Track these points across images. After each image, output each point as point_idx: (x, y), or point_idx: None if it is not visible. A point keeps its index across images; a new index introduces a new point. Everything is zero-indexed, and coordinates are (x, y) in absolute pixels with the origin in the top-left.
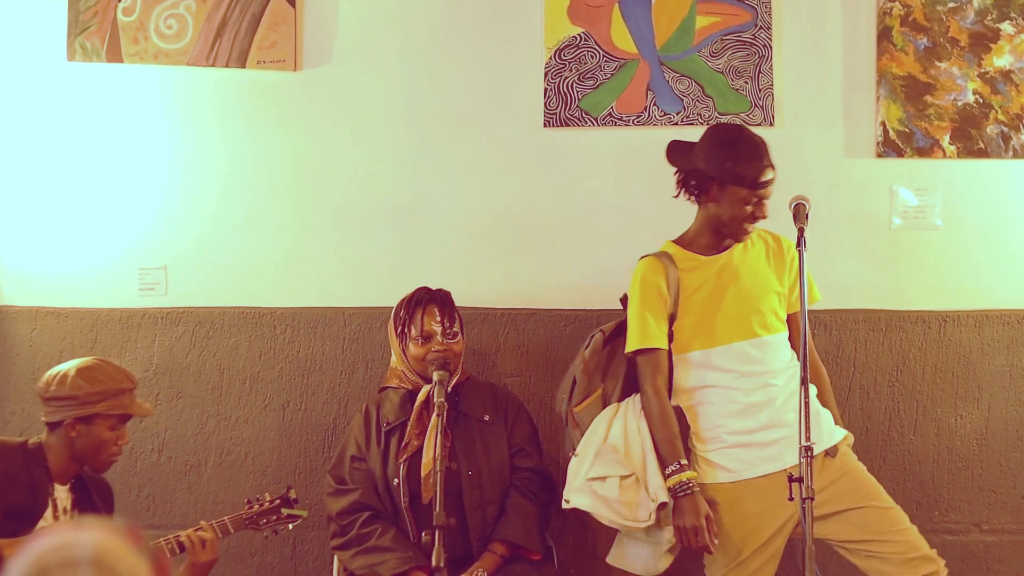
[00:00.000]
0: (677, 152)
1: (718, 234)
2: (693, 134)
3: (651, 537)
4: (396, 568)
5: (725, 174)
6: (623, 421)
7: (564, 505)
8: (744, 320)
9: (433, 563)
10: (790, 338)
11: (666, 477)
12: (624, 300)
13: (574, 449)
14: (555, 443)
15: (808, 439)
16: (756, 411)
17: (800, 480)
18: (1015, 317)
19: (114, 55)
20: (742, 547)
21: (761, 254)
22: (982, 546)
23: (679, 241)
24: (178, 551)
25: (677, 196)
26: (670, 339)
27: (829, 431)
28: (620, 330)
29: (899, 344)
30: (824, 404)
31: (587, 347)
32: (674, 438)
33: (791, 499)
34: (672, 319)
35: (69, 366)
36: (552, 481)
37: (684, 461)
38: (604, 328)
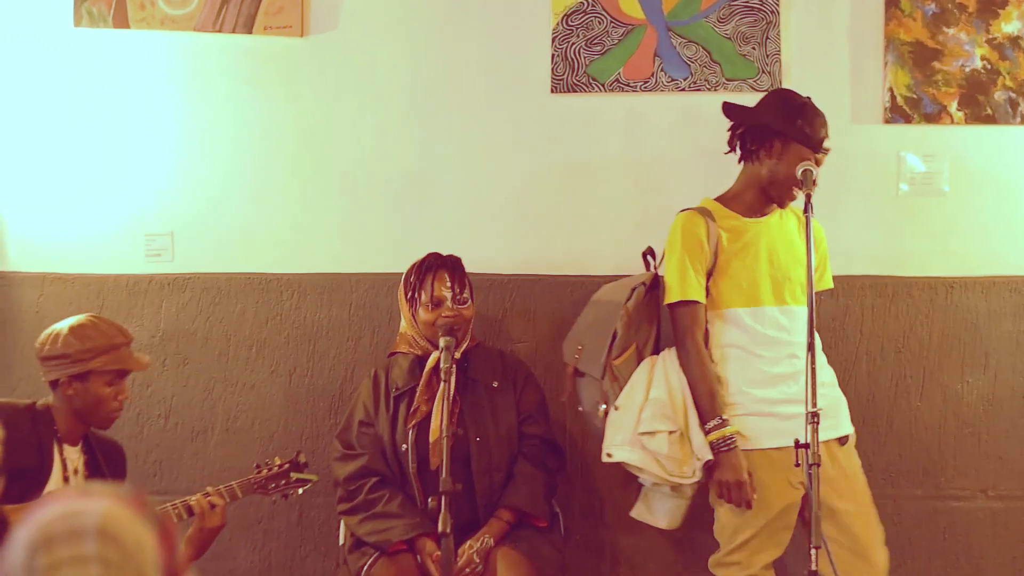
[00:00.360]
0: (734, 108)
1: (763, 196)
2: (700, 100)
3: (677, 491)
4: (403, 534)
5: (793, 131)
6: (664, 375)
7: (605, 459)
8: (777, 286)
9: (439, 529)
10: None
11: (707, 432)
12: (646, 255)
13: (607, 402)
14: (561, 410)
15: (814, 405)
16: (779, 382)
17: (807, 446)
18: (1022, 283)
19: (120, 21)
20: (754, 519)
21: (794, 227)
22: (988, 512)
23: (720, 199)
24: (186, 516)
25: (730, 152)
26: (707, 294)
27: (845, 418)
28: (655, 283)
29: (906, 310)
30: None
31: (630, 299)
32: (715, 393)
33: (797, 464)
34: (708, 275)
35: (62, 325)
36: (560, 448)
37: (725, 416)
38: (646, 280)
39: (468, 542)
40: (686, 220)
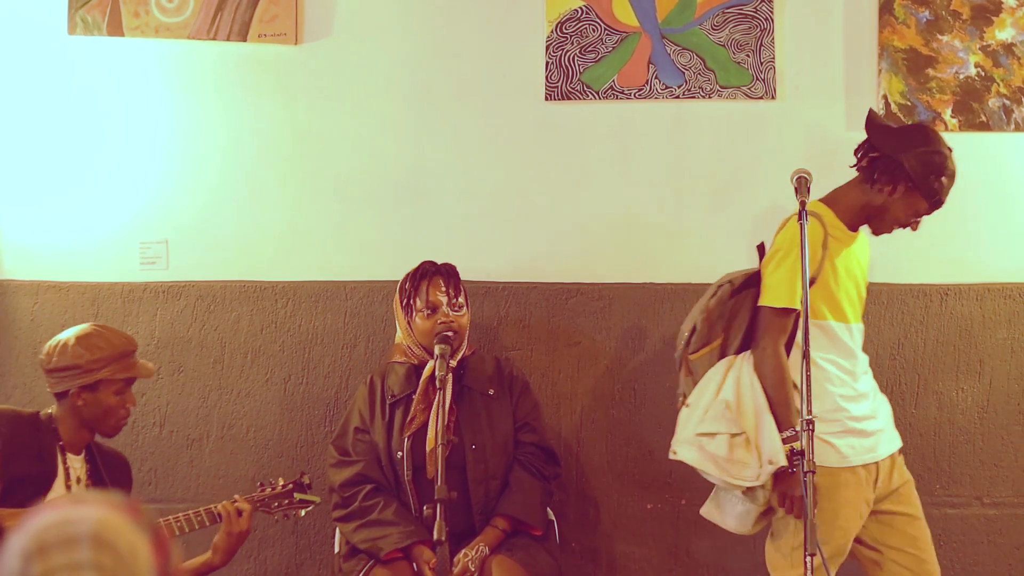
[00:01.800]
0: (879, 129)
1: (865, 217)
2: (695, 108)
3: (749, 496)
4: (398, 543)
5: (923, 183)
6: (737, 376)
7: (671, 455)
8: (860, 303)
9: (435, 536)
10: None
11: (783, 442)
12: (761, 248)
13: (684, 396)
14: (556, 416)
15: (809, 412)
16: (863, 399)
17: (802, 454)
18: (1016, 290)
19: (115, 29)
20: (832, 537)
21: (862, 244)
22: (983, 519)
23: (829, 204)
24: (208, 523)
25: (856, 167)
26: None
27: (895, 430)
28: (748, 283)
29: (900, 317)
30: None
31: (713, 296)
32: (791, 403)
33: (792, 471)
34: (812, 282)
35: (68, 335)
36: (555, 456)
37: (798, 428)
38: (733, 279)
39: (464, 550)
40: (808, 227)
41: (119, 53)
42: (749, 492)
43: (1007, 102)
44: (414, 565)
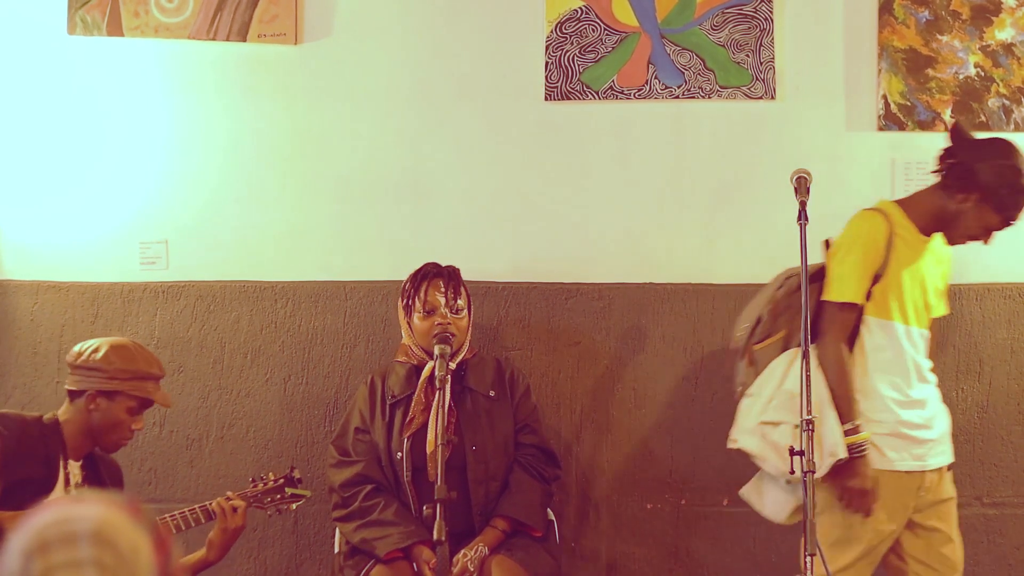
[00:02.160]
0: (961, 137)
1: (938, 224)
2: (694, 108)
3: (791, 486)
4: (398, 543)
5: (995, 199)
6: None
7: (730, 444)
8: (926, 308)
9: (434, 537)
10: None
11: (844, 435)
12: (826, 244)
13: (744, 387)
14: (556, 417)
15: (809, 412)
16: (917, 406)
17: (801, 453)
18: (1016, 290)
19: (115, 29)
20: (864, 534)
21: (939, 253)
22: (983, 519)
23: (902, 205)
24: (204, 520)
25: (935, 172)
26: (868, 298)
27: (950, 444)
28: (814, 277)
29: None
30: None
31: (780, 287)
32: (853, 396)
33: (792, 472)
34: (876, 279)
35: (104, 341)
36: (555, 458)
37: (860, 421)
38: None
39: (463, 550)
40: (870, 223)
41: (119, 53)
42: (793, 483)
43: (1007, 102)
44: (414, 565)
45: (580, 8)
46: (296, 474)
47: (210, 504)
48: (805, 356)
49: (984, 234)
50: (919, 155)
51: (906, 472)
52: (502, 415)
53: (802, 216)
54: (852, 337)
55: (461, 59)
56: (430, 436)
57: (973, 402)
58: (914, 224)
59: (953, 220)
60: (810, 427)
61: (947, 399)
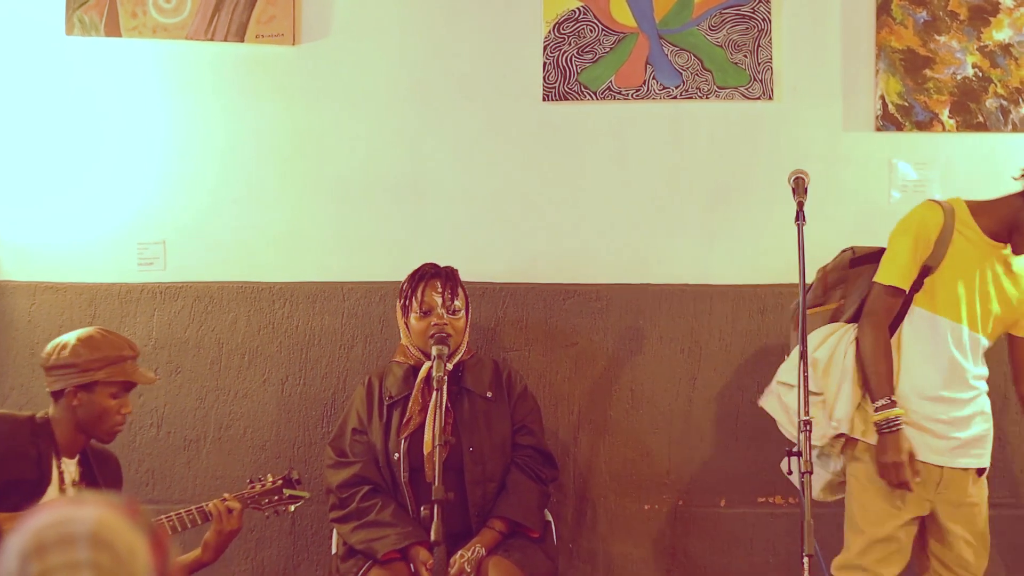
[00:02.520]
0: None
1: (1008, 231)
2: (692, 108)
3: (820, 461)
4: (396, 544)
5: None
6: (838, 340)
7: (759, 402)
8: (986, 315)
9: (432, 538)
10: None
11: (875, 411)
12: (854, 251)
13: (789, 350)
14: (554, 417)
15: (806, 413)
16: (946, 403)
17: (799, 454)
18: None
19: (112, 29)
20: (882, 517)
21: (1020, 271)
22: None
23: (971, 205)
24: (200, 521)
25: (1018, 179)
26: (918, 288)
27: (988, 451)
28: (871, 257)
29: None
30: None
31: (832, 261)
32: (888, 373)
33: (790, 472)
34: (927, 271)
35: (70, 336)
36: (553, 459)
37: (895, 397)
38: (857, 248)
39: (460, 551)
40: (927, 211)
41: (117, 53)
42: (823, 457)
43: (1004, 102)
44: (411, 566)
45: (578, 8)
46: (294, 475)
47: (207, 505)
48: (803, 357)
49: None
50: (917, 156)
51: (922, 463)
52: (499, 416)
53: (800, 216)
54: (898, 322)
55: (459, 59)
56: (427, 437)
57: None
58: (982, 226)
59: (1021, 227)
60: (807, 428)
61: None
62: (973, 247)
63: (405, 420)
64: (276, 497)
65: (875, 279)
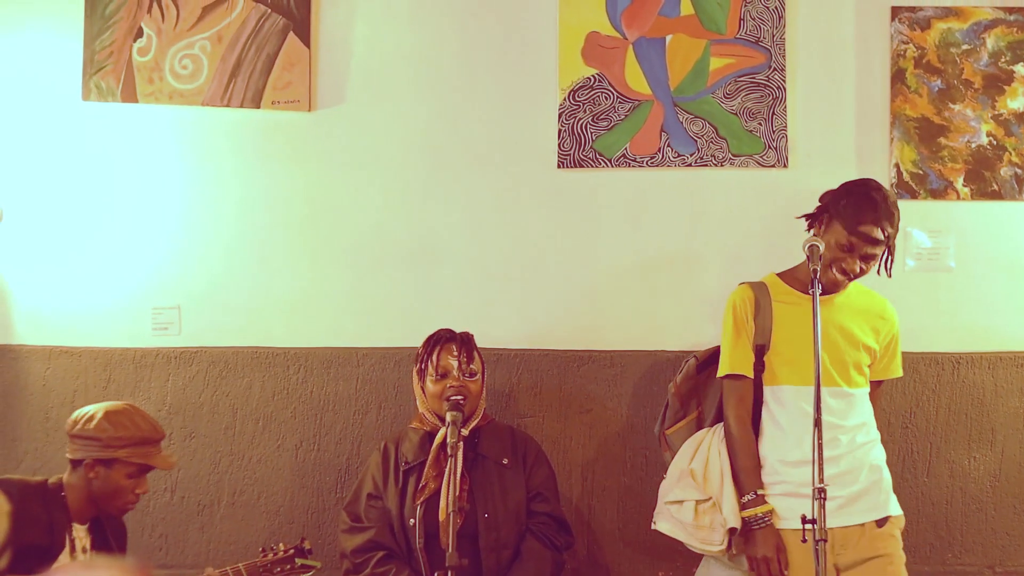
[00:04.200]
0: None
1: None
2: (707, 176)
3: (734, 562)
4: None
5: (834, 207)
6: (708, 445)
7: (652, 527)
8: (837, 364)
9: None
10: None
11: (742, 507)
12: None
13: (666, 470)
14: (568, 483)
15: (821, 480)
16: (813, 465)
17: (813, 522)
18: None
19: (129, 95)
20: None
21: (861, 309)
22: None
23: (783, 274)
24: None
25: (808, 229)
26: (762, 369)
27: (885, 501)
28: (713, 357)
29: (913, 385)
30: None
31: (680, 373)
32: (753, 468)
33: (804, 541)
34: (763, 350)
35: (99, 407)
36: (568, 526)
37: (761, 491)
38: (697, 354)
39: None
40: (735, 294)
41: (133, 119)
42: (733, 558)
43: (1019, 171)
44: None
45: (593, 76)
46: (307, 545)
47: (214, 573)
48: (817, 424)
49: (844, 257)
50: (931, 224)
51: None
52: (515, 483)
53: (814, 284)
54: (759, 408)
55: (474, 126)
56: (442, 503)
57: (985, 471)
58: (796, 287)
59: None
60: (822, 495)
61: (959, 468)
62: (799, 310)
63: (421, 486)
64: (288, 567)
65: (718, 376)
